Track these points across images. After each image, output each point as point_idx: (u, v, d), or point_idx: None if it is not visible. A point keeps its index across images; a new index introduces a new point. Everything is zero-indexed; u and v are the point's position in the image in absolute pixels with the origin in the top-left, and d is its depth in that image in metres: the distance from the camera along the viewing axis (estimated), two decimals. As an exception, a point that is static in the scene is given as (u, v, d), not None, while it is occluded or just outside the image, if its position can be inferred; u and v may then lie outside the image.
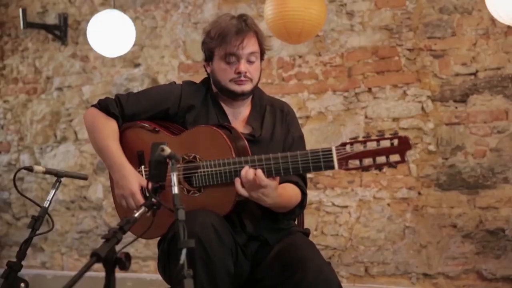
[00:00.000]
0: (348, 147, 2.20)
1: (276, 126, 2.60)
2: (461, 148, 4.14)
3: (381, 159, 2.17)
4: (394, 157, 2.16)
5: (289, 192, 2.50)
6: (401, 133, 2.18)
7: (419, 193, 4.24)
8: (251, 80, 2.52)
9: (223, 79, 2.52)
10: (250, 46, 2.49)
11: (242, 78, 2.49)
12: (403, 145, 2.15)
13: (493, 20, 4.01)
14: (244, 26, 2.49)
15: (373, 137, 2.18)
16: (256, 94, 2.62)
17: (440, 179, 4.18)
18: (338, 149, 2.21)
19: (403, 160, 2.16)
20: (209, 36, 2.53)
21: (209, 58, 2.57)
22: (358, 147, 2.18)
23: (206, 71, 2.62)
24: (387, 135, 2.17)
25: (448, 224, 4.16)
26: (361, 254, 4.38)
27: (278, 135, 2.58)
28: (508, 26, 3.95)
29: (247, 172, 2.31)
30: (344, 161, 2.20)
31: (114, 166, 2.48)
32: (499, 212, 4.05)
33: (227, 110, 2.58)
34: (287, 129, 2.61)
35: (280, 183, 2.49)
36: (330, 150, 2.22)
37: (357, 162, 2.19)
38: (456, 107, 4.16)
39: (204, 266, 2.27)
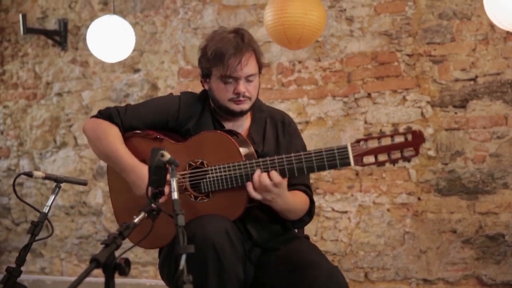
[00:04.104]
0: (362, 143, 2.22)
1: (279, 139, 2.58)
2: (460, 154, 4.14)
3: (396, 154, 2.21)
4: (408, 151, 2.20)
5: (298, 197, 2.51)
6: (415, 128, 2.21)
7: (419, 199, 4.24)
8: (249, 98, 2.49)
9: (221, 98, 2.49)
10: (248, 67, 2.45)
11: (241, 98, 2.47)
12: (417, 139, 2.20)
13: (492, 26, 4.01)
14: (241, 43, 2.44)
15: (388, 133, 2.21)
16: (255, 106, 2.59)
17: (439, 184, 4.18)
18: (354, 145, 2.24)
19: (417, 153, 2.21)
20: (206, 55, 2.48)
21: (206, 76, 2.53)
22: (373, 143, 2.21)
23: (203, 86, 2.58)
24: (401, 131, 2.21)
25: (448, 230, 4.16)
26: (361, 259, 4.37)
27: (283, 148, 2.56)
28: (507, 32, 3.96)
29: (261, 176, 2.31)
30: (359, 157, 2.23)
31: (128, 168, 2.47)
32: (499, 218, 4.05)
33: (226, 124, 2.56)
34: (290, 140, 2.60)
35: (289, 190, 2.49)
36: (346, 148, 2.25)
37: (372, 158, 2.22)
38: (456, 113, 4.16)
39: (216, 272, 2.26)
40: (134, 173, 2.45)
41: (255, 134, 2.56)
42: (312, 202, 2.56)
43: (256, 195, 2.33)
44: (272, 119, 2.62)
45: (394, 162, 2.21)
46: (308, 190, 2.56)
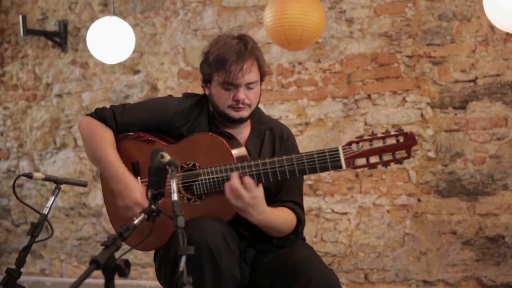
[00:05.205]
0: (354, 146, 2.22)
1: (276, 154, 2.54)
2: (460, 155, 4.14)
3: (388, 156, 2.20)
4: (400, 153, 2.19)
5: (282, 214, 2.45)
6: (406, 129, 2.20)
7: (419, 200, 4.24)
8: (249, 106, 2.47)
9: (221, 104, 2.47)
10: (250, 75, 2.43)
11: (240, 106, 2.44)
12: (409, 141, 2.19)
13: (492, 27, 4.02)
14: (244, 49, 2.42)
15: (379, 135, 2.19)
16: (255, 116, 2.57)
17: (439, 185, 4.18)
18: (345, 148, 2.23)
19: (409, 156, 2.19)
20: (208, 60, 2.46)
21: (207, 81, 2.51)
22: (364, 146, 2.20)
23: (204, 91, 2.56)
24: (392, 132, 2.19)
25: (448, 231, 4.16)
26: (361, 261, 4.37)
27: None
28: (507, 33, 3.96)
29: (233, 179, 2.30)
30: (351, 160, 2.22)
31: (115, 177, 2.45)
32: (499, 219, 4.05)
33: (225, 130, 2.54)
34: (286, 155, 2.57)
35: (275, 205, 2.46)
36: (337, 150, 2.23)
37: (364, 160, 2.21)
38: (456, 114, 4.16)
39: (212, 274, 2.26)
40: (120, 182, 2.43)
41: (252, 146, 2.54)
42: (299, 220, 2.49)
43: (231, 198, 2.31)
44: (271, 132, 2.58)
45: (385, 164, 2.20)
46: (296, 208, 2.50)
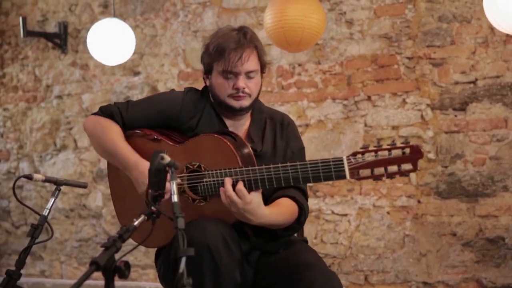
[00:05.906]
0: (359, 156, 2.20)
1: (277, 141, 2.56)
2: (460, 156, 4.14)
3: (393, 168, 2.19)
4: (406, 166, 2.17)
5: (283, 210, 2.45)
6: (413, 142, 2.19)
7: (419, 201, 4.24)
8: (249, 95, 2.48)
9: (221, 94, 2.48)
10: (249, 63, 2.45)
11: (240, 94, 2.45)
12: (415, 154, 2.17)
13: (492, 29, 4.02)
14: (243, 39, 2.45)
15: (385, 146, 2.18)
16: (255, 106, 2.58)
17: (439, 187, 4.18)
18: (349, 158, 2.21)
19: (415, 169, 2.18)
20: (208, 50, 2.49)
21: (207, 71, 2.53)
22: (370, 157, 2.18)
23: (205, 83, 2.59)
24: (398, 144, 2.17)
25: (448, 233, 4.16)
26: (361, 262, 4.37)
27: (279, 150, 2.55)
28: (507, 35, 3.96)
29: (226, 184, 2.30)
30: (355, 170, 2.21)
31: (130, 166, 2.46)
32: (499, 221, 4.05)
33: (227, 121, 2.56)
34: (287, 142, 2.57)
35: (277, 197, 2.47)
36: (341, 160, 2.22)
37: (368, 171, 2.19)
38: (456, 115, 4.17)
39: (212, 275, 2.26)
40: (137, 170, 2.44)
41: (255, 134, 2.55)
42: (302, 208, 2.50)
43: (225, 203, 2.32)
44: (271, 120, 2.60)
45: (391, 176, 2.19)
46: (298, 195, 2.50)
